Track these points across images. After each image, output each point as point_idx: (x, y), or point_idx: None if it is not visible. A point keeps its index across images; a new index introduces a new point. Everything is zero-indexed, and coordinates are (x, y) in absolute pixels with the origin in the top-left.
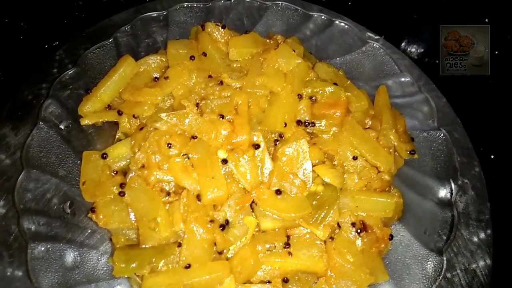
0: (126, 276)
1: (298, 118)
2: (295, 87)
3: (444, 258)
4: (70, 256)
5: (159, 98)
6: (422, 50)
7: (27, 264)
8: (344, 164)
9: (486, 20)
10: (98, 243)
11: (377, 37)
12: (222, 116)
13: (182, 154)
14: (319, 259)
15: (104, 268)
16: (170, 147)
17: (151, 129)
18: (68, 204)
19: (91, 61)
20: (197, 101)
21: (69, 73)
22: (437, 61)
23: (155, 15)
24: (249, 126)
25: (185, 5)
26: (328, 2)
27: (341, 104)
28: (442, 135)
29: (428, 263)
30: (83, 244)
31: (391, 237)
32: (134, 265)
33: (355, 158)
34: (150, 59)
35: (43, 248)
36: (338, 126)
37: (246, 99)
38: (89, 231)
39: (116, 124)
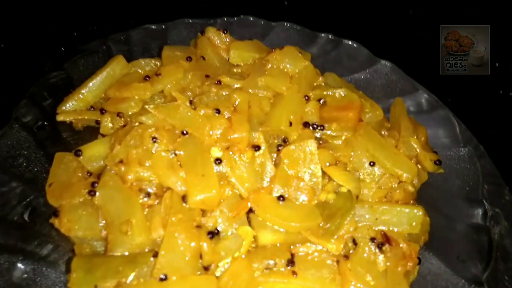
0: None
1: (305, 120)
2: (302, 88)
3: None
4: (19, 271)
5: (148, 94)
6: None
7: None
8: (360, 174)
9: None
10: (59, 260)
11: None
12: (219, 111)
13: (169, 153)
14: (331, 282)
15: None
16: (155, 142)
17: (136, 124)
18: (29, 211)
19: (79, 68)
20: (191, 99)
21: (54, 74)
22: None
23: (153, 27)
24: (249, 124)
25: (186, 21)
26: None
27: (354, 107)
28: (467, 152)
29: None
30: (40, 258)
31: (419, 260)
32: (96, 275)
33: (372, 164)
34: (144, 61)
35: None
36: (350, 131)
37: (246, 98)
38: (50, 246)
39: (98, 130)
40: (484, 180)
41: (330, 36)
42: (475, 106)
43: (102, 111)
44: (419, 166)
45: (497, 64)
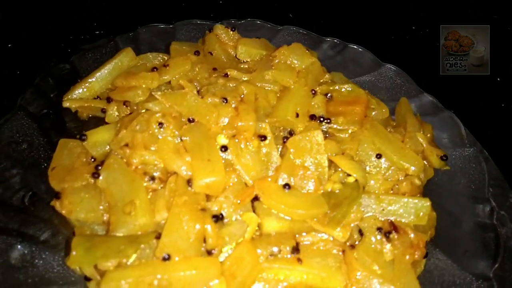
0: (84, 271)
1: (311, 113)
2: (309, 82)
3: (495, 284)
4: (17, 253)
5: (155, 84)
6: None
7: None
8: (366, 166)
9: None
10: (58, 245)
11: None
12: (226, 100)
13: (175, 138)
14: (337, 270)
15: (60, 271)
16: (161, 127)
17: (143, 111)
18: (29, 196)
19: (87, 62)
20: (198, 88)
21: (61, 66)
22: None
23: (161, 26)
24: (255, 114)
25: (193, 22)
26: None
27: (361, 102)
28: (472, 152)
29: None
30: (39, 242)
31: (426, 254)
32: (96, 254)
33: (378, 156)
34: (151, 55)
35: None
36: (357, 125)
37: (252, 89)
38: (50, 232)
39: (103, 121)
40: (489, 183)
41: (335, 40)
42: (476, 110)
43: (109, 100)
44: (425, 162)
45: (498, 79)
